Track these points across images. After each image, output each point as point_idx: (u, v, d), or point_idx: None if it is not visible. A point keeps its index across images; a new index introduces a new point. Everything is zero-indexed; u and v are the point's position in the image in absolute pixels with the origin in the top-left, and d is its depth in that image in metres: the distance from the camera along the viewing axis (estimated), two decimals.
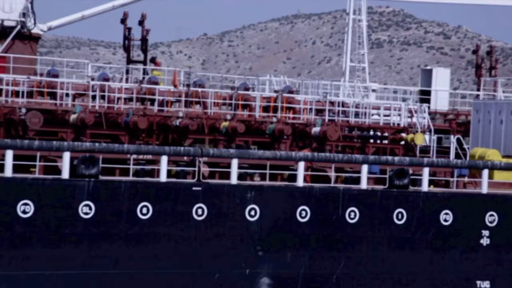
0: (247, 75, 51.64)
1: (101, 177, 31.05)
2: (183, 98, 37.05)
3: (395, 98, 51.83)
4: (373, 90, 55.50)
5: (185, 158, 33.27)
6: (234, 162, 32.59)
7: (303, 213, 33.12)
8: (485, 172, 35.75)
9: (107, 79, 36.96)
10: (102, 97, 36.17)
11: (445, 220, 34.91)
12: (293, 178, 33.70)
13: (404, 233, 34.44)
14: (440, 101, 53.38)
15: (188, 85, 38.13)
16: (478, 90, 54.66)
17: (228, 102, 38.06)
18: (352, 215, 33.75)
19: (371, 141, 39.74)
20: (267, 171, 33.61)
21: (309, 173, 34.77)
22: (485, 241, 35.37)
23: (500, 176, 37.68)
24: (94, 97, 35.95)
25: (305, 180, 33.92)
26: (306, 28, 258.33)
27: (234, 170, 32.57)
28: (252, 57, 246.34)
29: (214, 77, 43.97)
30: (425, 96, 52.69)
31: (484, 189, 35.68)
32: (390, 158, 35.37)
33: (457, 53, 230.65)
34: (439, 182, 37.25)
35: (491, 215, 35.43)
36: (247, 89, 39.76)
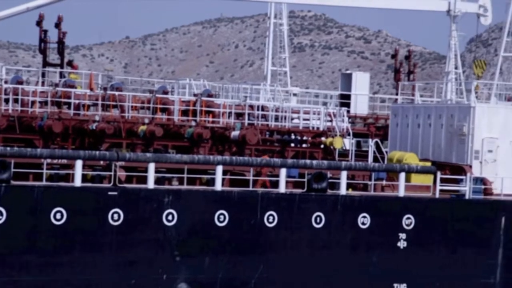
0: (169, 79, 51.21)
1: (13, 182, 30.29)
2: (100, 102, 36.45)
3: (316, 102, 52.08)
4: (294, 94, 55.70)
5: (101, 162, 32.71)
6: (151, 166, 32.18)
7: (221, 218, 32.87)
8: (402, 176, 36.04)
9: (20, 82, 36.16)
10: (16, 100, 35.36)
11: (363, 223, 35.08)
12: (212, 182, 33.46)
13: (322, 236, 34.47)
14: (360, 105, 53.84)
15: (105, 89, 37.56)
16: (397, 94, 55.29)
17: (147, 106, 37.61)
18: (271, 219, 33.64)
19: (292, 145, 39.78)
20: (185, 175, 33.27)
21: (228, 177, 34.60)
22: (402, 244, 35.65)
23: (417, 179, 38.05)
24: (7, 101, 35.11)
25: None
26: (229, 32, 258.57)
27: (151, 174, 32.16)
28: (175, 60, 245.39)
29: (136, 81, 43.44)
30: (345, 100, 53.05)
31: (401, 192, 35.96)
32: (308, 161, 35.41)
33: (377, 58, 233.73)
34: (357, 186, 37.45)
35: (408, 218, 35.73)
36: (165, 92, 39.38)
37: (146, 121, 36.15)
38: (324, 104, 50.93)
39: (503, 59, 42.89)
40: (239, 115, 39.62)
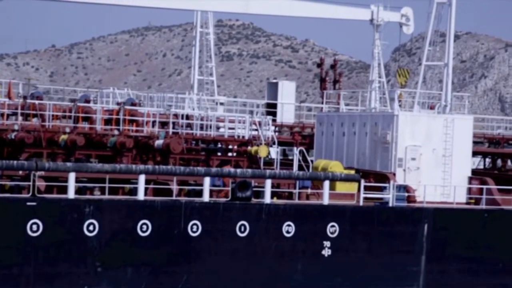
0: (96, 88, 50.50)
1: None
2: (19, 111, 35.65)
3: (243, 111, 51.94)
4: (221, 103, 55.46)
5: (20, 172, 31.97)
6: (71, 176, 31.58)
7: (144, 227, 32.43)
8: (326, 184, 36.09)
9: None
10: None
11: (288, 232, 35.00)
12: (135, 191, 33.00)
13: (247, 245, 34.28)
14: (286, 113, 53.91)
15: (25, 97, 36.76)
16: (323, 103, 55.52)
17: (68, 115, 36.92)
18: (195, 228, 33.32)
19: (219, 153, 39.53)
20: (107, 185, 32.73)
21: (151, 186, 34.17)
22: (326, 252, 35.66)
23: (342, 187, 38.17)
24: None
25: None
26: (157, 41, 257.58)
27: (72, 184, 31.57)
28: (102, 69, 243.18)
29: (61, 90, 42.69)
30: (271, 109, 53.05)
31: (326, 201, 35.99)
32: (232, 170, 35.19)
33: (304, 66, 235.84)
34: (282, 194, 37.37)
35: (332, 226, 35.78)
36: (87, 101, 38.74)
37: (67, 130, 35.47)
38: (251, 113, 50.86)
39: (426, 68, 43.37)
40: (163, 124, 39.20)
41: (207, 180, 33.95)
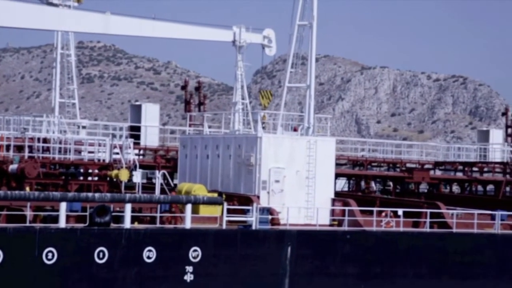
0: None
1: None
2: None
3: (106, 134, 50.60)
4: (83, 127, 53.96)
5: None
6: None
7: None
8: (189, 207, 35.29)
9: None
10: None
11: (148, 257, 33.96)
12: None
13: (106, 272, 33.03)
14: (150, 136, 52.94)
15: None
16: (187, 125, 54.89)
17: None
18: (50, 255, 31.85)
19: (80, 178, 38.16)
20: None
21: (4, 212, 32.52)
22: (189, 277, 34.79)
23: (205, 211, 37.46)
24: None
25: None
26: (15, 62, 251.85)
27: None
28: None
29: None
30: (135, 132, 51.97)
31: (188, 224, 35.17)
32: (90, 195, 33.92)
33: (167, 89, 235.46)
34: (144, 219, 36.32)
35: (195, 250, 34.96)
36: None
37: None
38: (114, 136, 49.62)
39: (287, 89, 43.29)
40: (19, 148, 37.56)
41: (63, 206, 32.56)
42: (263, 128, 42.14)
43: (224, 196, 38.21)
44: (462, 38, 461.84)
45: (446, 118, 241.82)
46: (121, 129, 53.41)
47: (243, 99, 45.67)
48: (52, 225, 32.67)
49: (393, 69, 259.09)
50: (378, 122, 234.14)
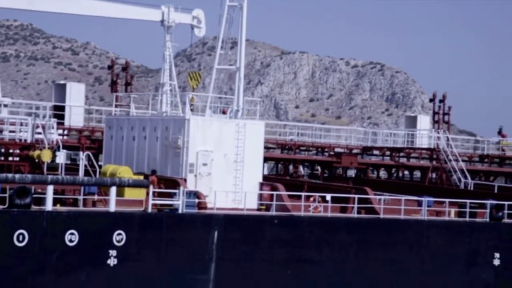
0: None
1: None
2: None
3: (29, 113, 49.16)
4: (5, 105, 52.39)
5: None
6: None
7: None
8: (113, 190, 34.33)
9: None
10: None
11: (71, 241, 32.94)
12: None
13: (27, 256, 31.91)
14: (75, 117, 51.65)
15: None
16: (114, 106, 53.67)
17: None
18: None
19: (2, 158, 36.88)
20: None
21: None
22: (112, 261, 33.85)
23: (131, 194, 36.53)
24: None
25: None
26: None
27: None
28: None
29: None
30: (59, 112, 50.64)
31: (112, 207, 34.21)
32: (10, 175, 32.72)
33: (85, 70, 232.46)
34: (67, 201, 35.24)
35: (119, 234, 34.04)
36: None
37: None
38: (37, 115, 48.25)
39: (214, 73, 42.49)
40: None
41: None
42: (191, 110, 41.36)
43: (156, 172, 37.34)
44: (380, 24, 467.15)
45: (363, 104, 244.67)
46: (44, 108, 52.10)
47: (171, 80, 44.77)
48: None
49: (313, 55, 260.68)
50: (297, 107, 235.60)
